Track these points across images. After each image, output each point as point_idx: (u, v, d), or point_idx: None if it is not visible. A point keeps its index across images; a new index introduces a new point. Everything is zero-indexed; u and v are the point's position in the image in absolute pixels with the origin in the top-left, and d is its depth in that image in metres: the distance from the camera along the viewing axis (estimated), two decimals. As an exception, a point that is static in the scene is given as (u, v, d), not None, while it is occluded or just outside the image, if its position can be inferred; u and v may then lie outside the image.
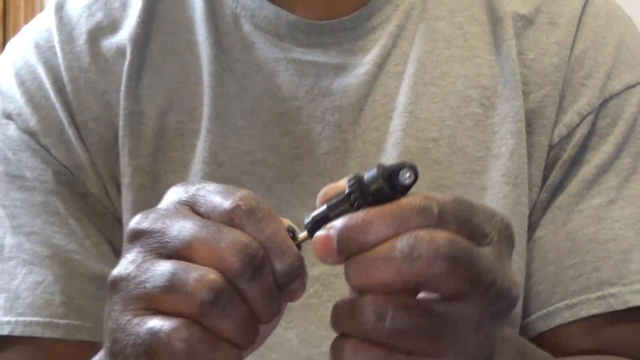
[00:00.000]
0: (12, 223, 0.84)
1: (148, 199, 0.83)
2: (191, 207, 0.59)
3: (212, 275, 0.56)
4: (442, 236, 0.55)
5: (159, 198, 0.83)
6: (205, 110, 0.84)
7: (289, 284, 0.58)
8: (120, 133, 0.84)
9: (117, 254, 0.82)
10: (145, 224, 0.59)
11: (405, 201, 0.56)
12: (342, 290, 0.78)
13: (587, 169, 0.84)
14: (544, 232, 0.84)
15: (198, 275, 0.56)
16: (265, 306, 0.57)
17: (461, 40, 0.87)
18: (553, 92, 0.85)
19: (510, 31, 0.86)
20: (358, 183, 0.57)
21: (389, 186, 0.57)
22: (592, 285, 0.82)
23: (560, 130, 0.85)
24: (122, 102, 0.85)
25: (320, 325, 0.81)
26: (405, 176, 0.57)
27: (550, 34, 0.87)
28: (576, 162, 0.85)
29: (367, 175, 0.57)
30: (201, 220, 0.58)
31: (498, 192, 0.83)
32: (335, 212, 0.58)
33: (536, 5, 0.88)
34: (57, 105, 0.85)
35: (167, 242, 0.58)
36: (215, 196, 0.59)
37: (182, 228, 0.58)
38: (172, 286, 0.56)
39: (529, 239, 0.84)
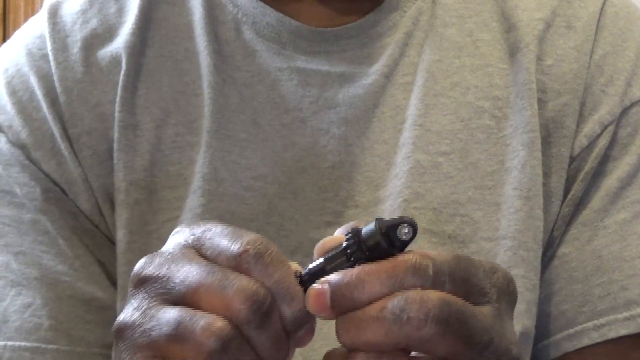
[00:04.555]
0: (0, 241, 0.81)
1: (143, 216, 0.81)
2: (197, 250, 0.58)
3: (219, 323, 0.55)
4: (433, 298, 0.55)
5: (154, 214, 0.81)
6: (206, 123, 0.82)
7: (297, 329, 0.57)
8: (115, 146, 0.82)
9: (108, 275, 0.82)
10: (150, 270, 0.58)
11: (402, 259, 0.56)
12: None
13: (610, 182, 0.82)
14: (568, 249, 0.82)
15: (205, 323, 0.55)
16: (274, 353, 0.56)
17: (472, 48, 0.84)
18: (573, 101, 0.83)
19: (526, 38, 0.83)
20: (355, 237, 0.57)
21: (386, 241, 0.56)
22: (620, 305, 0.80)
23: (581, 140, 0.82)
24: (117, 114, 0.82)
25: (326, 343, 0.78)
26: (404, 232, 0.56)
27: (568, 38, 0.84)
28: (598, 174, 0.82)
29: (365, 229, 0.57)
30: (208, 265, 0.57)
31: (510, 206, 0.80)
32: (331, 265, 0.58)
33: (552, 9, 0.85)
34: (50, 117, 0.82)
35: (173, 287, 0.57)
36: (222, 239, 0.58)
37: (188, 273, 0.57)
38: (178, 334, 0.55)
39: (553, 255, 0.83)
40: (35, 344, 0.79)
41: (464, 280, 0.57)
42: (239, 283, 0.55)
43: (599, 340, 0.80)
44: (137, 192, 0.81)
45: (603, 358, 0.81)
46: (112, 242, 0.82)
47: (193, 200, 0.80)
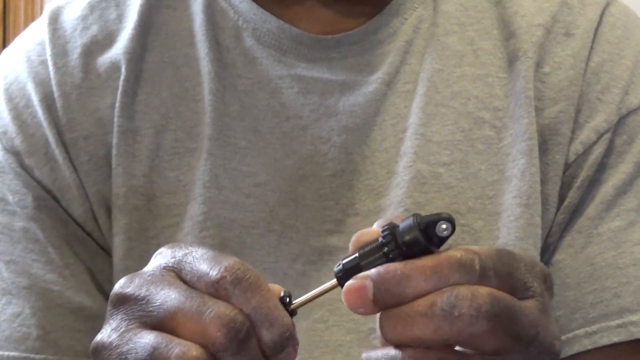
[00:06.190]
0: None
1: (142, 222, 0.80)
2: (177, 274, 0.59)
3: (194, 351, 0.55)
4: (483, 293, 0.55)
5: (154, 220, 0.81)
6: (206, 130, 0.81)
7: (277, 354, 0.57)
8: (114, 152, 0.81)
9: (97, 283, 0.82)
10: (129, 290, 0.59)
11: (446, 255, 0.56)
12: (348, 316, 0.79)
13: (605, 190, 0.82)
14: (562, 256, 0.82)
15: (180, 351, 0.55)
16: None
17: (472, 57, 0.84)
18: (569, 108, 0.82)
19: (524, 45, 0.83)
20: (393, 232, 0.56)
21: (425, 237, 0.56)
22: (612, 312, 0.80)
23: (577, 147, 0.82)
24: (116, 120, 0.82)
25: (326, 350, 0.79)
26: (442, 227, 0.56)
27: (566, 46, 0.84)
28: (594, 181, 0.82)
29: (403, 224, 0.57)
30: (186, 290, 0.57)
31: (510, 215, 0.80)
32: (367, 260, 0.57)
33: (552, 14, 0.85)
34: (45, 122, 0.82)
35: (151, 311, 0.57)
36: (201, 264, 0.58)
37: (167, 297, 0.57)
38: None
39: (547, 262, 0.82)
40: (24, 354, 0.79)
41: (508, 274, 0.57)
42: (217, 310, 0.56)
43: (590, 348, 0.80)
44: (136, 197, 0.81)
45: None
46: (104, 249, 0.82)
47: (194, 208, 0.80)
